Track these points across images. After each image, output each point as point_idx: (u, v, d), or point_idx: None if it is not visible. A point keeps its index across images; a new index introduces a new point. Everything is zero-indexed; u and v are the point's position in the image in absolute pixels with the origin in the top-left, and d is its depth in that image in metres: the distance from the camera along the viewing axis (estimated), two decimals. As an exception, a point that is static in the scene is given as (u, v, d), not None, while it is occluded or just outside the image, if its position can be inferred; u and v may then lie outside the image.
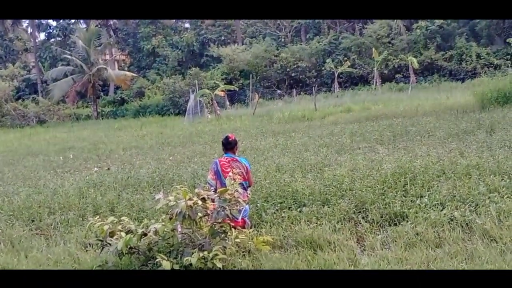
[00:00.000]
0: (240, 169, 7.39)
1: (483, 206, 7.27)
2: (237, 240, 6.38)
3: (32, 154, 20.47)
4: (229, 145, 7.70)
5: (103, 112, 49.52)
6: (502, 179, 8.31)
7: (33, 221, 9.19)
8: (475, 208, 7.27)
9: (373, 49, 44.55)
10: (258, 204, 8.27)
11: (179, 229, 6.15)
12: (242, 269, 5.09)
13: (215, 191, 6.69)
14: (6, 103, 46.91)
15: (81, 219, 8.82)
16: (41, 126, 42.71)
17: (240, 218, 7.05)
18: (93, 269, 5.15)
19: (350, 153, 12.56)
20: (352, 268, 5.71)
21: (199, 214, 6.25)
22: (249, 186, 7.70)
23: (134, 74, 50.83)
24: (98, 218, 6.51)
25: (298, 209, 8.04)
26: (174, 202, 6.06)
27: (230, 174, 6.86)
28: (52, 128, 39.20)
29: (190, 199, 6.06)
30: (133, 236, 6.11)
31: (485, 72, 40.97)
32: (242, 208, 6.89)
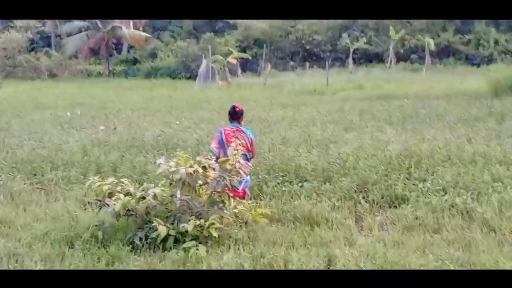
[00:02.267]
0: (244, 139, 7.34)
1: (485, 195, 7.23)
2: (235, 210, 6.36)
3: (40, 108, 20.47)
4: (235, 115, 7.63)
5: (115, 71, 49.31)
6: (507, 169, 8.24)
7: (35, 175, 9.23)
8: (477, 196, 7.23)
9: (391, 27, 43.93)
10: (259, 176, 8.25)
11: (178, 196, 6.13)
12: (239, 269, 5.09)
13: (217, 159, 6.65)
14: (19, 54, 46.77)
15: (82, 177, 8.78)
16: (52, 80, 42.64)
17: (241, 188, 7.05)
18: (88, 269, 5.18)
19: (357, 131, 12.49)
20: (347, 247, 5.71)
21: (199, 182, 6.23)
22: (252, 158, 7.67)
23: (148, 35, 50.48)
24: (98, 178, 6.51)
25: (299, 184, 8.03)
26: (175, 168, 6.04)
27: (233, 144, 6.82)
28: (62, 82, 39.09)
29: (191, 166, 6.03)
30: (132, 199, 6.12)
31: (501, 59, 40.41)
32: (243, 179, 6.87)
